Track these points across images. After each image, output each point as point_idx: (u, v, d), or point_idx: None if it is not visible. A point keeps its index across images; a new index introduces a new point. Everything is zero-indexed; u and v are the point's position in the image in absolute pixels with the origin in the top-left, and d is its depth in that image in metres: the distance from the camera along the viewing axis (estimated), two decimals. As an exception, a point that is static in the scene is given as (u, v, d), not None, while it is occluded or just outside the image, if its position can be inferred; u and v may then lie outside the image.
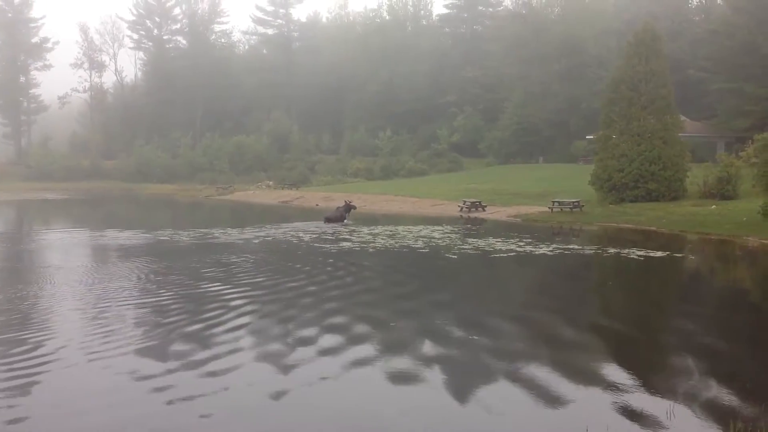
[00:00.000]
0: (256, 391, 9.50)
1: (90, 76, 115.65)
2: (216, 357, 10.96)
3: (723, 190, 38.03)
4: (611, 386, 9.61)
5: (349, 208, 36.90)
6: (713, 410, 8.71)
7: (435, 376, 10.08)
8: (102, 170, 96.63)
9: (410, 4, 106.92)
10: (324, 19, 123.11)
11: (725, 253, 25.81)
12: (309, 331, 12.67)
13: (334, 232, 30.50)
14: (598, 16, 79.60)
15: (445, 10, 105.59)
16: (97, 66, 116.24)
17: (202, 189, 77.49)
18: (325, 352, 11.30)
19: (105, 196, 71.31)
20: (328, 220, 35.13)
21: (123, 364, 10.50)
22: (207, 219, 43.93)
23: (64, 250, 25.51)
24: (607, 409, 8.81)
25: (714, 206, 35.79)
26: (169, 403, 9.04)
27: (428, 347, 11.60)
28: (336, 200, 54.70)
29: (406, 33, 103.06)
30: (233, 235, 29.90)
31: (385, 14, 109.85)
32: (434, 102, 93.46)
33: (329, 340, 12.05)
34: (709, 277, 21.45)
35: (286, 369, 10.39)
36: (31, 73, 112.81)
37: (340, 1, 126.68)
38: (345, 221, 35.28)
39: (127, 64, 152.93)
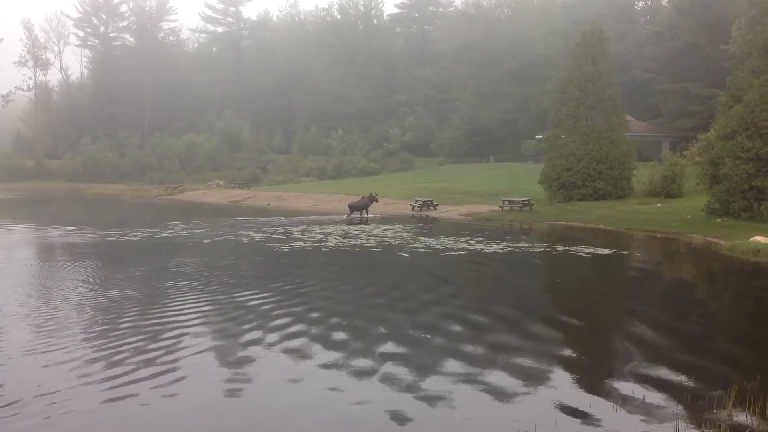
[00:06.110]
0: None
1: (35, 74, 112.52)
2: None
3: (668, 189, 38.88)
4: (561, 377, 9.76)
5: (372, 199, 39.80)
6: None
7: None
8: (47, 170, 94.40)
9: (361, 3, 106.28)
10: (275, 18, 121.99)
11: (670, 250, 26.42)
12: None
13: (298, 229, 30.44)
14: (546, 16, 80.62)
15: (396, 10, 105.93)
16: (42, 64, 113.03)
17: (150, 189, 76.33)
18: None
19: (49, 197, 69.62)
20: (352, 207, 38.72)
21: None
22: (159, 218, 43.10)
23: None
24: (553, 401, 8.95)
25: (659, 204, 36.61)
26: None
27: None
28: (288, 199, 54.53)
29: (357, 32, 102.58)
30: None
31: (336, 14, 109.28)
32: (386, 101, 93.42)
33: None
34: (655, 273, 21.93)
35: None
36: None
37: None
38: (369, 214, 38.58)
39: (73, 62, 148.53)
